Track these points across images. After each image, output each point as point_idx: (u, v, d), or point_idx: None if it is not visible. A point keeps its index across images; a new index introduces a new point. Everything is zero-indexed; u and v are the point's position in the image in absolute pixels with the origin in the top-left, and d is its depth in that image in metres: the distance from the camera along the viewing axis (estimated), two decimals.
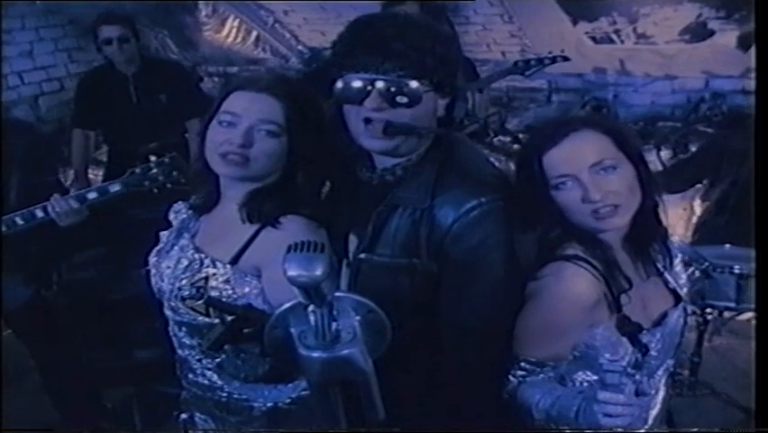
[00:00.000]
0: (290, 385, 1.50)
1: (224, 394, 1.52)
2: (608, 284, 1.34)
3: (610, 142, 1.37)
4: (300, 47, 5.31)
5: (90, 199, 2.24)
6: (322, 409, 1.04)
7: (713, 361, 3.09)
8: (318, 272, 0.93)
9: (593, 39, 4.38)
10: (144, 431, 2.73)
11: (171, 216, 1.63)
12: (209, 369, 1.52)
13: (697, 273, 2.70)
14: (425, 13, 2.88)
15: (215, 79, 5.29)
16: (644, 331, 1.34)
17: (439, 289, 1.39)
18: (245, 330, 1.32)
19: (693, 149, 3.78)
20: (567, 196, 1.35)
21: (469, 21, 4.57)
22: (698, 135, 3.97)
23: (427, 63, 1.32)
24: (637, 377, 1.22)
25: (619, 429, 1.21)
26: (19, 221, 2.23)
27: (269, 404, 1.51)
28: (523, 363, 1.37)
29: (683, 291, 1.50)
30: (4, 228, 2.23)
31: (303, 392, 1.47)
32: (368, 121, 1.34)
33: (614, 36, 4.33)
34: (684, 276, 1.56)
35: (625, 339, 1.25)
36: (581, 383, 1.37)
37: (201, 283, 1.44)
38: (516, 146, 3.04)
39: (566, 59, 3.46)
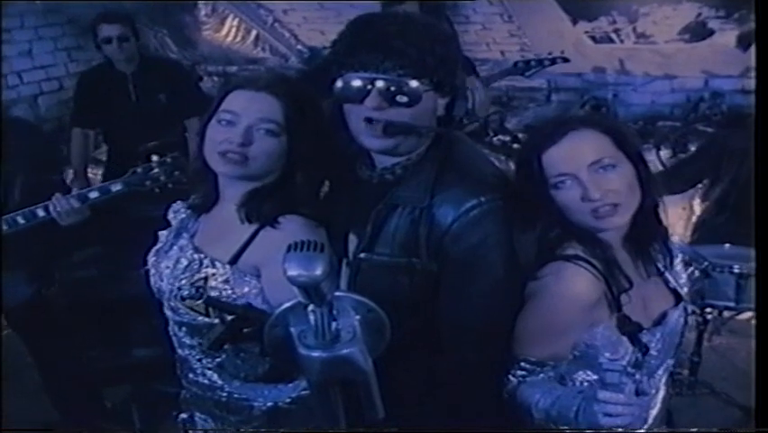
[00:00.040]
0: (290, 385, 1.49)
1: (224, 394, 1.52)
2: (608, 284, 1.33)
3: (609, 141, 1.37)
4: (300, 46, 5.31)
5: (92, 199, 2.24)
6: (322, 409, 1.04)
7: (713, 360, 3.08)
8: (318, 272, 0.93)
9: (593, 38, 4.39)
10: (144, 431, 2.73)
11: (170, 216, 1.63)
12: (209, 369, 1.52)
13: (696, 273, 2.69)
14: (425, 13, 2.88)
15: (215, 78, 5.28)
16: (645, 331, 1.34)
17: (438, 288, 1.39)
18: (245, 330, 1.32)
19: (693, 148, 3.79)
20: (566, 195, 1.35)
21: (468, 20, 4.58)
22: (697, 135, 3.98)
23: (427, 62, 1.32)
24: (637, 377, 1.22)
25: (619, 429, 1.21)
26: (20, 220, 2.23)
27: (269, 404, 1.50)
28: (523, 363, 1.37)
29: (684, 291, 1.50)
30: (5, 227, 2.24)
31: (303, 392, 1.47)
32: (368, 120, 1.34)
33: (613, 35, 4.34)
34: (684, 276, 1.56)
35: (625, 339, 1.25)
36: (581, 383, 1.37)
37: (200, 283, 1.44)
38: (515, 145, 3.05)
39: (566, 60, 3.46)
